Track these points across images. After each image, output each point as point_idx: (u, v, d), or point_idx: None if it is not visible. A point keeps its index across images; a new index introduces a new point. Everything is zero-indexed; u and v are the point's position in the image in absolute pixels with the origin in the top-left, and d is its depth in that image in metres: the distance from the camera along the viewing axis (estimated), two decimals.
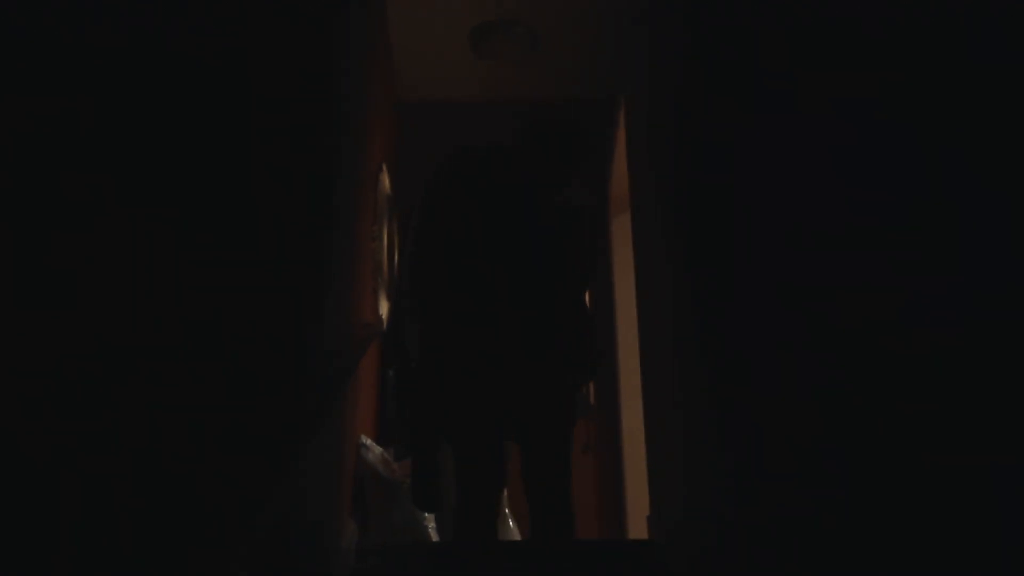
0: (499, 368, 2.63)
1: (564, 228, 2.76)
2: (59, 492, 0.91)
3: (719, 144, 2.47)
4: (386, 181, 5.06)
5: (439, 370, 2.68)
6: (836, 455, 1.62)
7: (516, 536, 4.54)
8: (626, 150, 4.50)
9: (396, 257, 5.74)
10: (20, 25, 0.91)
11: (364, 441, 4.23)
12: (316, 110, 2.39)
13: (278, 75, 1.82)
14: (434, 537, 4.15)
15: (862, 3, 1.44)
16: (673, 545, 3.21)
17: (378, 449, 4.37)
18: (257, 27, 1.61)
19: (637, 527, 5.20)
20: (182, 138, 1.22)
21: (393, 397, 5.70)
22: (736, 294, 2.30)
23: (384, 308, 5.00)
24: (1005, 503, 1.11)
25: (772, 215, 1.97)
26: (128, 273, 1.06)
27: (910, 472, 1.35)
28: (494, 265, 2.63)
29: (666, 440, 3.40)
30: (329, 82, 2.64)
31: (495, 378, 2.64)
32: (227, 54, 1.37)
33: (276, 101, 1.81)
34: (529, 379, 2.67)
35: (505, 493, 4.76)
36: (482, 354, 2.64)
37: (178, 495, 1.23)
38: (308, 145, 2.21)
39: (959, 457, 1.23)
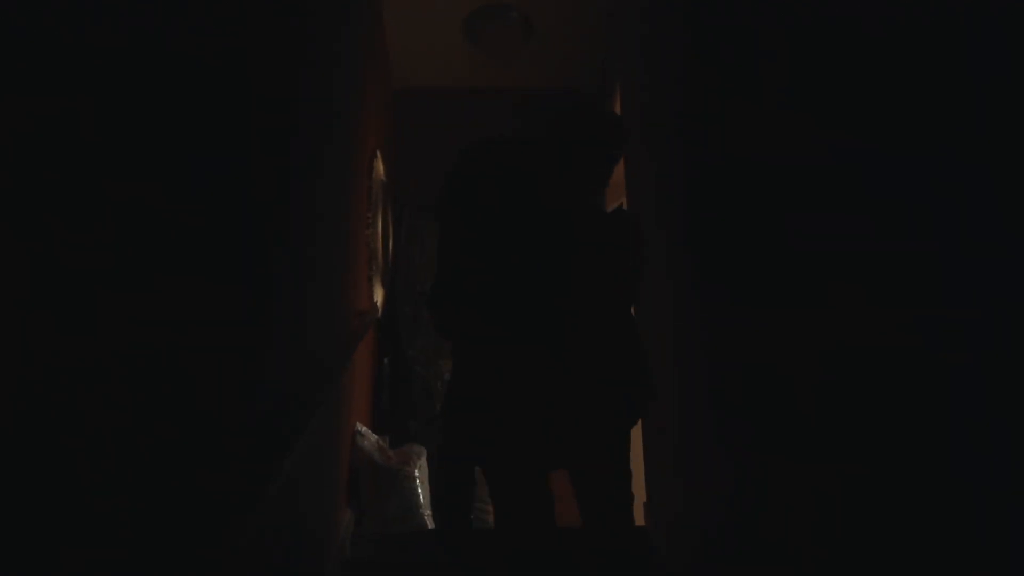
0: (542, 401, 2.27)
1: (609, 234, 2.40)
2: (53, 491, 0.91)
3: (721, 134, 2.46)
4: (380, 168, 5.04)
5: (474, 398, 2.35)
6: (836, 454, 1.63)
7: None
8: None
9: (391, 244, 5.73)
10: (20, 25, 0.90)
11: (360, 429, 4.23)
12: (311, 97, 2.38)
13: (274, 65, 1.82)
14: (430, 525, 4.17)
15: (862, 3, 1.44)
16: (671, 538, 3.22)
17: (374, 437, 4.37)
18: (255, 15, 1.60)
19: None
20: (179, 135, 1.21)
21: (388, 385, 5.71)
22: (738, 290, 2.30)
23: (379, 295, 5.00)
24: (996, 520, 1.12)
25: (773, 214, 1.97)
26: (125, 269, 1.06)
27: (909, 473, 1.36)
28: (532, 279, 2.28)
29: (663, 436, 3.41)
30: (324, 69, 2.62)
31: (536, 409, 2.28)
32: (227, 54, 1.36)
33: (271, 89, 1.80)
34: (575, 411, 2.30)
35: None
36: (522, 384, 2.29)
37: (170, 489, 1.24)
38: (300, 133, 2.21)
39: (960, 459, 1.24)
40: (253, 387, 1.68)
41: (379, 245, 4.99)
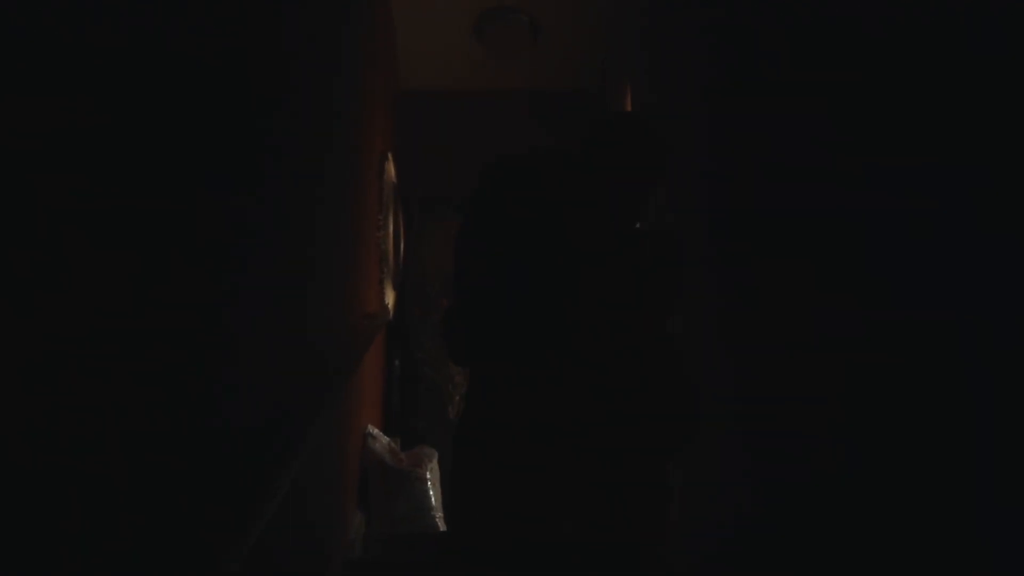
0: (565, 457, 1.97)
1: (647, 257, 2.09)
2: (54, 492, 0.92)
3: (726, 135, 2.46)
4: (391, 170, 5.05)
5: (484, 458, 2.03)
6: (845, 454, 1.62)
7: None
8: None
9: (403, 246, 5.74)
10: (20, 25, 0.91)
11: (371, 431, 4.23)
12: (310, 97, 2.39)
13: (273, 64, 1.82)
14: (440, 527, 4.16)
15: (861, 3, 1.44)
16: (674, 538, 3.21)
17: (385, 439, 4.37)
18: (255, 15, 1.60)
19: None
20: (179, 134, 1.22)
21: (399, 387, 5.71)
22: (746, 290, 2.29)
23: (391, 297, 5.00)
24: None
25: (784, 211, 1.97)
26: (125, 268, 1.07)
27: (916, 473, 1.35)
28: (550, 307, 2.00)
29: None
30: (323, 68, 2.63)
31: (559, 473, 1.97)
32: (227, 54, 1.37)
33: (271, 89, 1.81)
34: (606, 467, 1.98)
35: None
36: (541, 439, 1.96)
37: (174, 493, 1.24)
38: (300, 132, 2.21)
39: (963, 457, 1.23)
40: (253, 388, 1.68)
41: (390, 247, 4.99)
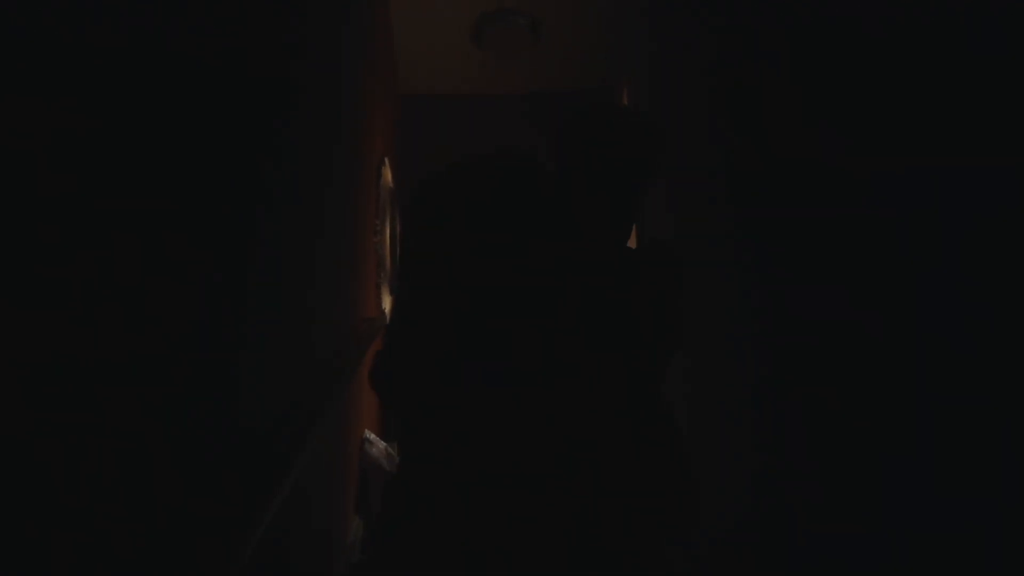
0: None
1: (638, 292, 1.62)
2: (55, 492, 0.91)
3: (726, 135, 2.46)
4: (388, 175, 5.05)
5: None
6: (846, 454, 1.62)
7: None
8: None
9: (398, 251, 5.74)
10: (20, 25, 0.90)
11: (368, 436, 4.23)
12: (316, 103, 2.38)
13: (273, 64, 1.82)
14: None
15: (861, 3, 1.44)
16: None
17: (382, 444, 4.36)
18: (256, 15, 1.60)
19: None
20: (180, 136, 1.21)
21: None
22: (747, 290, 2.29)
23: (387, 302, 5.00)
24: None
25: (778, 215, 1.96)
26: (124, 271, 1.06)
27: (916, 473, 1.35)
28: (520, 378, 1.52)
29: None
30: (325, 70, 2.62)
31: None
32: (227, 54, 1.36)
33: (271, 89, 1.80)
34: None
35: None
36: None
37: (176, 495, 1.23)
38: (302, 134, 2.20)
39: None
40: (256, 391, 1.68)
41: (387, 252, 5.00)
